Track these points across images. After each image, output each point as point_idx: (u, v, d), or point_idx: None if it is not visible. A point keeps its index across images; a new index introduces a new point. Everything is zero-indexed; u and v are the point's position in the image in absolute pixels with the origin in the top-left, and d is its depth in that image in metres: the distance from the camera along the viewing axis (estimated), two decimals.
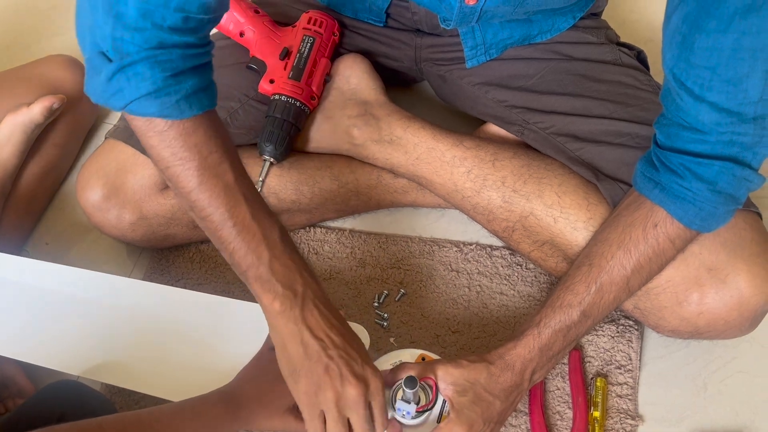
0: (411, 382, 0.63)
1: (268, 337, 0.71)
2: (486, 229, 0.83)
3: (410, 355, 0.69)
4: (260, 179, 0.82)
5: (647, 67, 0.83)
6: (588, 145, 0.75)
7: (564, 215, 0.74)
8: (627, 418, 0.74)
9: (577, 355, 0.77)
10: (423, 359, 0.68)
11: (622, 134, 0.73)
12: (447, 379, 0.65)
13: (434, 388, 0.66)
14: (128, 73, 0.56)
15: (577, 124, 0.76)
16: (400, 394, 0.66)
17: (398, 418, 0.66)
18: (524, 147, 0.82)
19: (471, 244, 0.88)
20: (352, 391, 0.59)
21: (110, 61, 0.56)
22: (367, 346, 0.71)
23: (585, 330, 0.67)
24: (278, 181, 0.84)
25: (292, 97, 0.82)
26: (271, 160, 0.82)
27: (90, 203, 0.82)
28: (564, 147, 0.76)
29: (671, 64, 0.58)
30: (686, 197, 0.61)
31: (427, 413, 0.66)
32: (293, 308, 0.60)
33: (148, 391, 0.72)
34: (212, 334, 0.74)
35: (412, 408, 0.64)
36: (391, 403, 0.66)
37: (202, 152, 0.59)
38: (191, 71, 0.58)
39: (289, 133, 0.82)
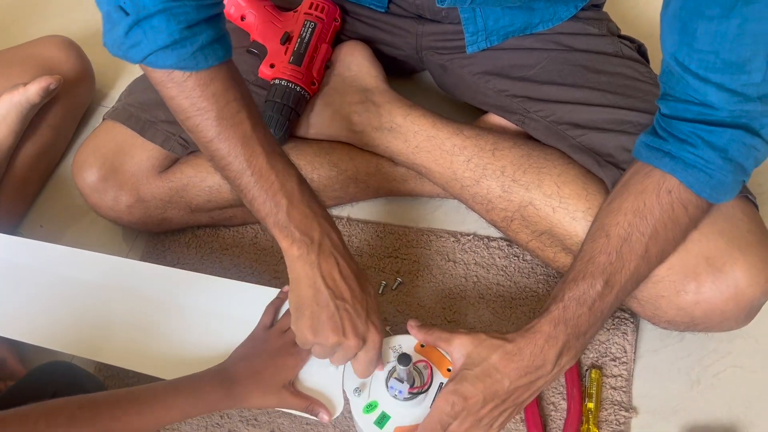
0: (405, 359, 0.62)
1: (263, 317, 0.71)
2: (484, 219, 0.83)
3: (410, 341, 0.69)
4: None
5: (647, 61, 0.83)
6: (589, 131, 0.75)
7: (563, 205, 0.74)
8: (621, 410, 0.74)
9: None
10: (422, 346, 0.68)
11: (624, 122, 0.73)
12: (461, 350, 0.63)
13: (429, 372, 0.66)
14: (144, 27, 0.57)
15: (578, 113, 0.76)
16: (394, 372, 0.66)
17: (391, 398, 0.66)
18: (524, 137, 0.82)
19: (468, 235, 0.88)
20: (347, 344, 0.63)
21: (127, 14, 0.57)
22: None
23: (609, 305, 0.64)
24: None
25: (292, 82, 0.82)
26: None
27: (86, 184, 0.81)
28: (565, 134, 0.76)
29: (672, 50, 0.58)
30: (697, 165, 0.61)
31: (421, 396, 0.65)
32: (310, 253, 0.62)
33: (142, 369, 0.72)
34: (207, 314, 0.74)
35: (405, 387, 0.64)
36: (386, 381, 0.66)
37: (220, 102, 0.61)
38: (205, 23, 0.60)
39: (288, 118, 0.81)
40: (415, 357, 0.67)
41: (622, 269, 0.64)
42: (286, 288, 0.73)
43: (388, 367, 0.67)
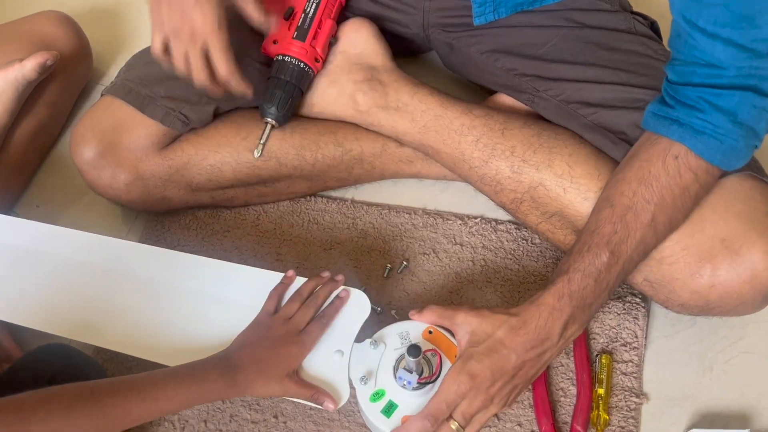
0: (414, 350, 0.61)
1: (266, 303, 0.69)
2: (493, 201, 0.81)
3: (418, 326, 0.67)
4: (261, 142, 0.79)
5: (660, 39, 0.81)
6: (601, 110, 0.73)
7: (575, 185, 0.72)
8: (631, 396, 0.73)
9: (581, 332, 0.75)
10: (430, 333, 0.66)
11: (637, 100, 0.71)
12: (465, 327, 0.62)
13: (438, 361, 0.64)
14: None
15: (589, 91, 0.74)
16: (403, 362, 0.64)
17: (399, 387, 0.64)
18: (535, 117, 0.79)
19: (476, 218, 0.86)
20: (197, 19, 0.68)
21: None
22: (367, 314, 0.69)
23: (615, 277, 0.63)
24: (280, 145, 0.81)
25: (296, 58, 0.79)
26: (273, 122, 0.80)
27: (84, 160, 0.79)
28: (576, 113, 0.74)
29: (680, 7, 0.57)
30: (707, 131, 0.59)
31: (429, 386, 0.64)
32: None
33: (141, 354, 0.70)
34: (209, 298, 0.72)
35: (414, 378, 0.62)
36: (393, 370, 0.64)
37: None
38: None
39: (291, 96, 0.79)
40: (424, 345, 0.65)
41: (628, 238, 0.62)
42: (290, 273, 0.71)
43: (396, 355, 0.65)
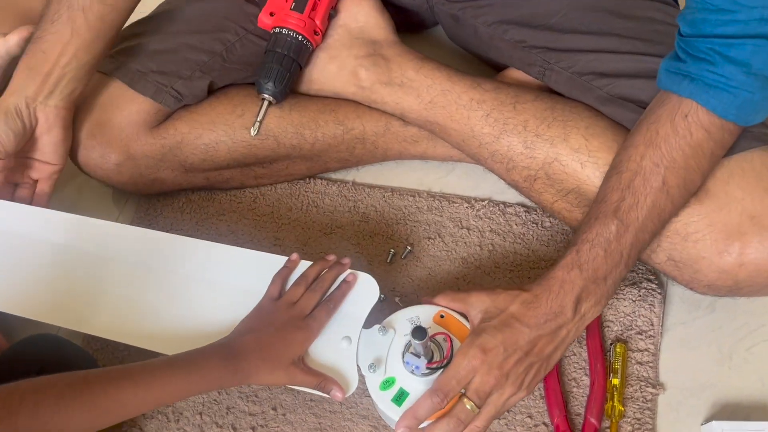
0: (419, 332, 0.57)
1: (269, 287, 0.65)
2: (504, 179, 0.77)
3: (428, 311, 0.63)
4: (258, 119, 0.75)
5: (677, 3, 0.77)
6: (618, 80, 0.69)
7: (592, 159, 0.68)
8: (647, 386, 0.69)
9: (595, 320, 0.72)
10: (442, 317, 0.63)
11: (655, 71, 0.66)
12: (478, 306, 0.60)
13: (449, 345, 0.60)
14: None
15: (604, 62, 0.70)
16: (411, 347, 0.60)
17: (410, 374, 0.60)
18: (547, 91, 0.75)
19: (483, 201, 0.82)
20: None
21: None
22: (376, 299, 0.65)
23: (629, 247, 0.60)
24: (278, 123, 0.77)
25: (294, 31, 0.75)
26: (270, 98, 0.75)
27: (73, 139, 0.75)
28: (590, 85, 0.70)
29: None
30: (719, 84, 0.56)
31: (440, 371, 0.60)
32: None
33: (133, 342, 0.66)
34: (208, 283, 0.68)
35: (422, 362, 0.59)
36: (402, 358, 0.61)
37: None
38: None
39: (289, 70, 0.75)
40: (434, 329, 0.62)
41: (637, 205, 0.59)
42: (294, 256, 0.68)
43: (405, 341, 0.62)
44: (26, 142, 0.72)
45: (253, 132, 0.76)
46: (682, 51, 0.59)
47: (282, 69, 0.75)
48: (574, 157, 0.69)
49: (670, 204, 0.60)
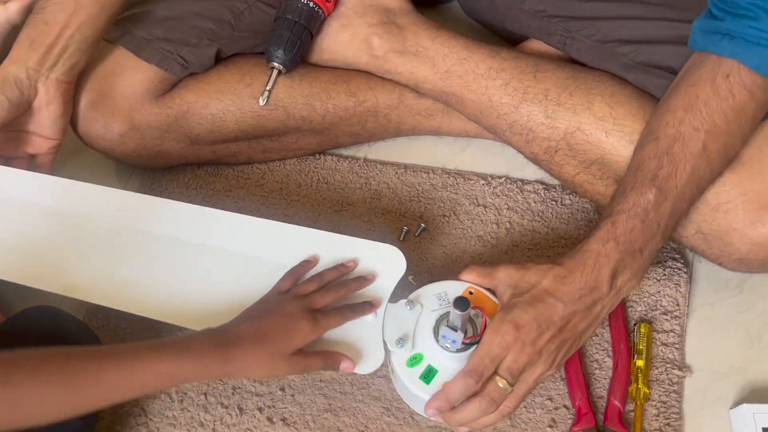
0: (462, 303, 0.54)
1: (279, 282, 0.62)
2: (523, 153, 0.73)
3: (456, 287, 0.60)
4: (267, 89, 0.72)
5: None
6: (644, 46, 0.66)
7: (617, 127, 0.65)
8: (673, 369, 0.66)
9: None
10: (471, 293, 0.60)
11: (684, 36, 0.63)
12: (507, 281, 0.57)
13: (484, 320, 0.57)
14: None
15: (628, 29, 0.67)
16: (445, 321, 0.57)
17: (442, 348, 0.57)
18: (569, 60, 0.72)
19: (500, 177, 0.79)
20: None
21: None
22: (402, 272, 0.62)
23: (667, 217, 0.57)
24: (287, 94, 0.74)
25: None
26: (280, 67, 0.73)
27: (74, 110, 0.72)
28: (614, 52, 0.67)
29: None
30: (761, 41, 0.53)
31: (473, 348, 0.57)
32: None
33: (134, 310, 0.63)
34: (222, 253, 0.65)
35: (460, 337, 0.55)
36: (433, 331, 0.58)
37: None
38: None
39: (300, 38, 0.72)
40: None
41: (677, 172, 0.56)
42: (312, 257, 0.63)
43: (435, 316, 0.59)
44: (23, 115, 0.69)
45: (261, 101, 0.73)
46: (718, 9, 0.56)
47: (292, 36, 0.72)
48: (598, 125, 0.66)
49: (710, 171, 0.57)
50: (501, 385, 0.54)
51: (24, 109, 0.69)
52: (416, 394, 0.58)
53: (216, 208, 0.78)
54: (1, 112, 0.67)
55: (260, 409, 0.67)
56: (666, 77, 0.64)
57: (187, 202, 0.79)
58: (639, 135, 0.64)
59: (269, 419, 0.66)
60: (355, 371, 0.59)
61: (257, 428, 0.66)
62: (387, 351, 0.59)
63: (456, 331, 0.55)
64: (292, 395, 0.68)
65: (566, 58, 0.73)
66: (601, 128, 0.66)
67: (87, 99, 0.72)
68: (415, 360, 0.58)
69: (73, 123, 0.73)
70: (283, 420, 0.66)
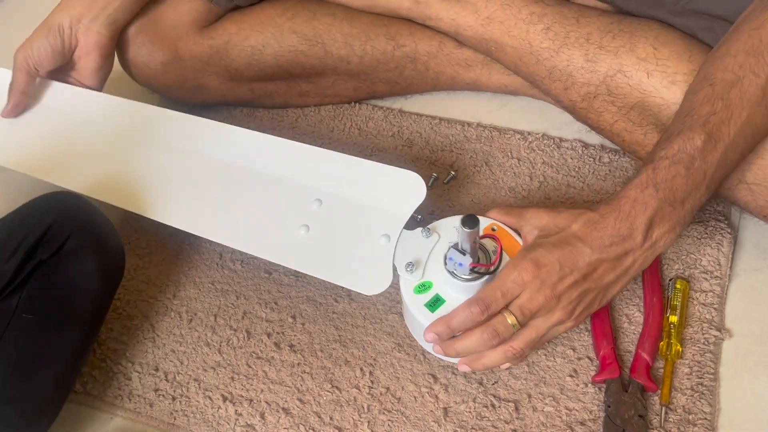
0: (470, 221, 0.51)
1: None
2: (561, 102, 0.71)
3: (481, 221, 0.58)
4: None
5: None
6: None
7: (660, 67, 0.62)
8: (711, 329, 0.61)
9: None
10: (493, 230, 0.57)
11: None
12: (535, 222, 0.54)
13: (499, 251, 0.54)
14: None
15: None
16: (454, 245, 0.54)
17: (449, 281, 0.54)
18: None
19: (537, 134, 0.77)
20: None
21: None
22: (421, 198, 0.60)
23: (714, 167, 0.52)
24: (327, 30, 0.75)
25: None
26: None
27: (122, 35, 0.74)
28: (663, 0, 0.65)
29: None
30: None
31: (484, 279, 0.54)
32: None
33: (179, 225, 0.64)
34: (248, 173, 0.65)
35: (467, 261, 0.52)
36: (444, 261, 0.55)
37: None
38: None
39: None
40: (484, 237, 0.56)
41: (731, 119, 0.51)
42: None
43: (449, 245, 0.56)
44: (67, 64, 0.72)
45: None
46: None
47: None
48: (640, 66, 0.63)
49: (767, 121, 0.53)
50: (509, 320, 0.51)
51: (66, 58, 0.72)
52: (419, 320, 0.55)
53: None
54: (45, 59, 0.70)
55: (268, 335, 0.65)
56: (716, 22, 0.61)
57: None
58: (683, 76, 0.61)
59: (276, 344, 0.64)
60: (361, 291, 0.57)
61: (263, 352, 0.64)
62: (397, 276, 0.57)
63: (464, 254, 0.52)
64: (303, 324, 0.65)
65: (613, 12, 0.71)
66: (643, 69, 0.63)
67: (137, 25, 0.74)
68: (423, 287, 0.56)
69: (120, 51, 0.76)
70: (291, 346, 0.64)
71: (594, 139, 0.75)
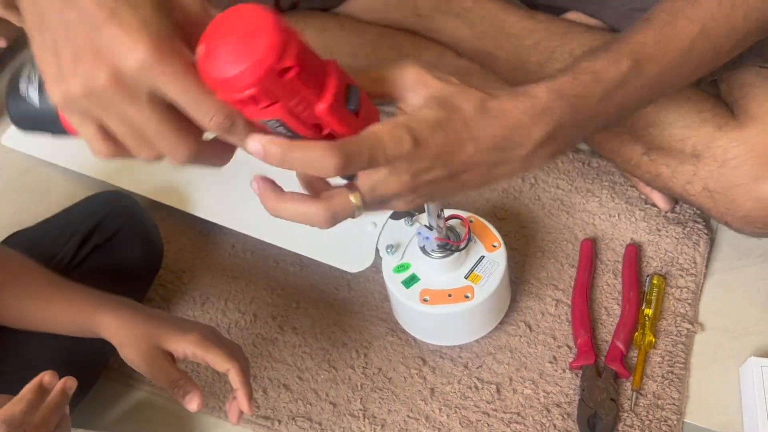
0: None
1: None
2: None
3: (459, 214, 0.64)
4: None
5: None
6: None
7: None
8: (684, 322, 0.65)
9: (633, 250, 0.69)
10: (471, 222, 0.63)
11: None
12: (422, 91, 0.41)
13: (467, 231, 0.60)
14: None
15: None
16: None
17: (424, 261, 0.60)
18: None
19: None
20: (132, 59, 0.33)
21: None
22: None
23: (632, 97, 0.47)
24: (335, 41, 0.81)
25: None
26: None
27: None
28: None
29: None
30: None
31: (456, 258, 0.60)
32: None
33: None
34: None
35: (433, 235, 0.58)
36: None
37: None
38: None
39: None
40: (460, 231, 0.61)
41: (659, 57, 0.48)
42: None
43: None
44: None
45: None
46: None
47: None
48: None
49: (690, 71, 0.51)
50: (354, 200, 0.40)
51: None
52: (397, 296, 0.61)
53: None
54: None
55: (273, 318, 0.71)
56: None
57: None
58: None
59: (280, 327, 0.70)
60: (346, 269, 0.63)
61: (268, 334, 0.70)
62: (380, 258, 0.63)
63: (431, 229, 0.58)
64: (306, 309, 0.71)
65: (600, 28, 0.76)
66: None
67: None
68: (402, 267, 0.62)
69: None
70: (294, 329, 0.70)
71: (584, 144, 0.80)
